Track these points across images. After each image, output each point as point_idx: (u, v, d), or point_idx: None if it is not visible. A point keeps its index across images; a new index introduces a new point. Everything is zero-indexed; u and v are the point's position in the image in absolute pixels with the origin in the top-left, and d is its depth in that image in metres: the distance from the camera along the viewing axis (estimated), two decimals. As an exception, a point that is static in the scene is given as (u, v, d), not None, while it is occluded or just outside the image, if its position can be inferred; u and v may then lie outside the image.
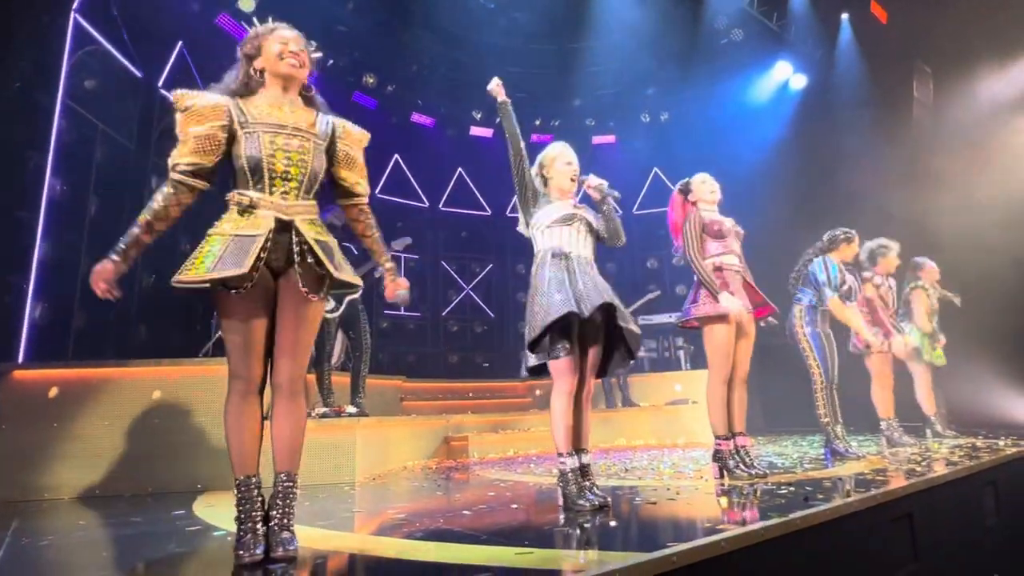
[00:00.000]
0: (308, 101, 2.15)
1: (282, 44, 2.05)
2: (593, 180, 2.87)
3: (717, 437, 3.36)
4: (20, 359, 4.18)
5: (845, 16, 7.87)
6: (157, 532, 2.52)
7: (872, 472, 3.12)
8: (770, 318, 3.65)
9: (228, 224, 1.94)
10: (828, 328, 4.40)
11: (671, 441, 6.48)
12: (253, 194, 1.94)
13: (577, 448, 2.66)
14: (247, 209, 1.94)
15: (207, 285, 1.88)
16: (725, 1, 7.88)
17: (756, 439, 5.26)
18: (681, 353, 8.15)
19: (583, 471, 2.63)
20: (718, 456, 3.34)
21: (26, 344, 4.24)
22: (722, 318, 3.36)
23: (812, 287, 4.40)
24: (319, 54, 2.27)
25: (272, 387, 1.99)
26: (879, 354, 4.98)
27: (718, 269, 3.48)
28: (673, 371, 7.67)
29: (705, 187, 3.60)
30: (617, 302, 2.66)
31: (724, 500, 2.62)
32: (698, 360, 7.68)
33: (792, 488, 2.70)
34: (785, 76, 8.48)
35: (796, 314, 4.38)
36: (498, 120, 2.93)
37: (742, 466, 3.26)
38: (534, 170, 2.92)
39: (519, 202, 2.90)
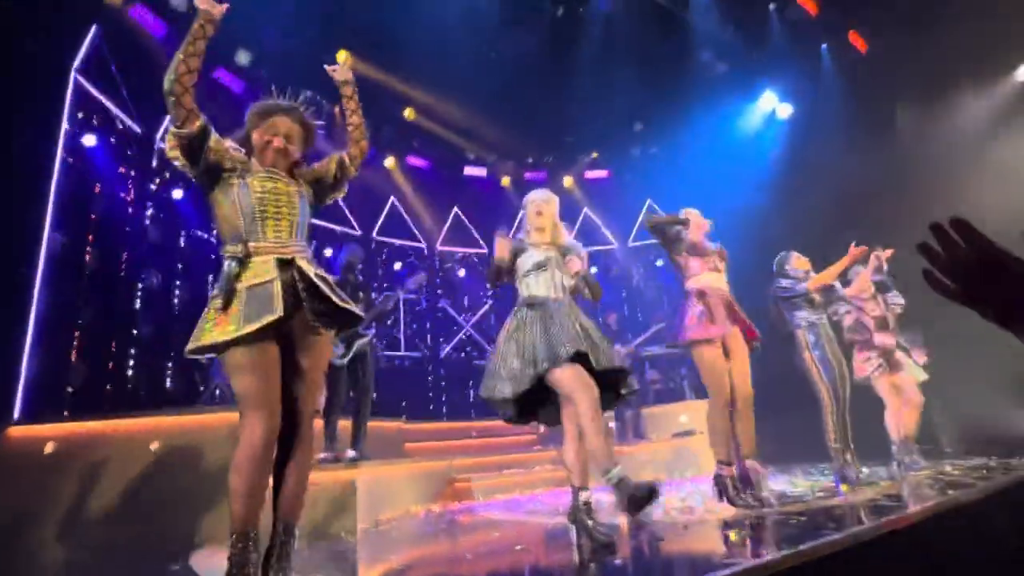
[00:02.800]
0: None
1: (271, 135, 2.12)
2: (575, 265, 2.88)
3: (719, 461, 3.31)
4: (16, 416, 4.12)
5: (824, 46, 8.09)
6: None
7: (885, 498, 3.05)
8: (756, 343, 3.62)
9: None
10: (837, 349, 4.35)
11: (679, 474, 6.35)
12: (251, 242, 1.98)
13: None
14: (245, 258, 1.96)
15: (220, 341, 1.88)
16: (708, 35, 8.11)
17: (769, 467, 5.14)
18: (685, 383, 8.07)
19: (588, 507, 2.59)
20: (718, 480, 3.28)
21: (22, 401, 4.20)
22: (708, 340, 3.38)
23: (793, 302, 4.37)
24: (319, 122, 2.35)
25: (281, 434, 1.94)
26: (884, 376, 4.93)
27: (702, 294, 3.51)
28: (678, 401, 7.59)
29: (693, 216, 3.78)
30: (598, 343, 2.68)
31: (733, 534, 2.55)
32: (702, 389, 7.58)
33: (803, 518, 2.63)
34: (771, 106, 8.66)
35: (800, 340, 4.33)
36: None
37: (743, 496, 3.19)
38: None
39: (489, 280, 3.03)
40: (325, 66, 2.42)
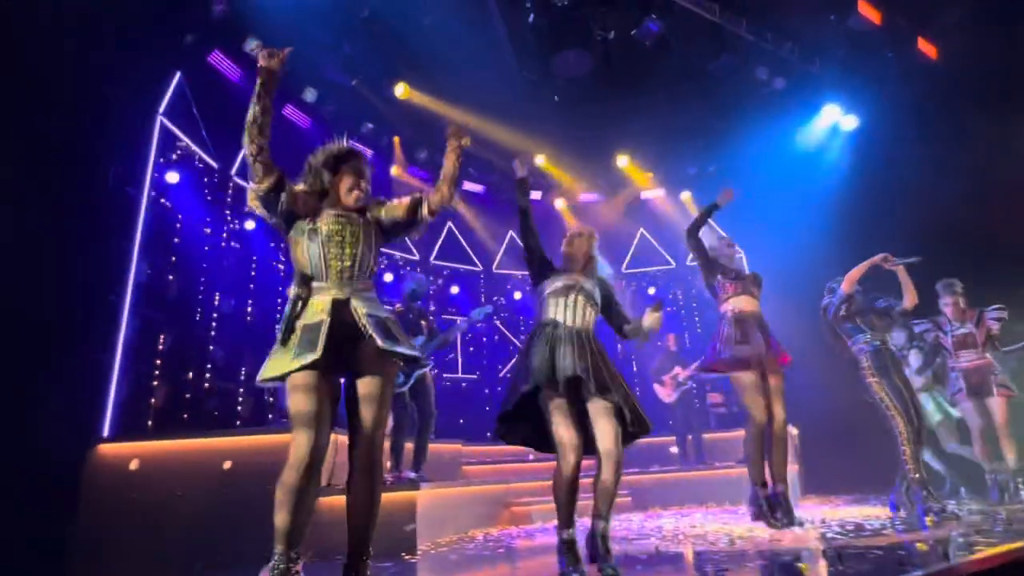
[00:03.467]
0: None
1: (354, 181, 2.30)
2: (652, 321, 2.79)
3: (754, 484, 3.48)
4: (105, 433, 4.43)
5: (891, 55, 7.76)
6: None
7: (976, 533, 2.82)
8: (783, 368, 3.72)
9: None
10: (903, 372, 4.14)
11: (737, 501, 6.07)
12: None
13: (594, 515, 2.63)
14: (305, 299, 2.17)
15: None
16: (764, 52, 7.94)
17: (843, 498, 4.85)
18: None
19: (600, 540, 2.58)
20: (755, 501, 3.46)
21: (111, 420, 4.51)
22: (743, 363, 3.47)
23: (850, 321, 4.18)
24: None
25: (353, 459, 2.07)
26: (967, 400, 4.62)
27: (738, 320, 3.62)
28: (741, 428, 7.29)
29: (723, 243, 4.10)
30: (604, 376, 2.62)
31: (804, 567, 2.42)
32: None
33: (880, 552, 2.47)
34: (834, 119, 8.35)
35: (864, 365, 4.10)
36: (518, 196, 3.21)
37: (776, 517, 3.35)
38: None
39: (528, 271, 3.08)
40: (448, 130, 2.78)
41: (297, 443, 1.99)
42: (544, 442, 2.76)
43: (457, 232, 9.48)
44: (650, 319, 2.76)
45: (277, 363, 2.04)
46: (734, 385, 3.63)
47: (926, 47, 7.57)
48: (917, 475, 3.82)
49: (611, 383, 2.65)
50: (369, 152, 8.37)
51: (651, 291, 9.63)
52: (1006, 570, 2.16)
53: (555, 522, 2.65)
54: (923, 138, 7.14)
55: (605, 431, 2.61)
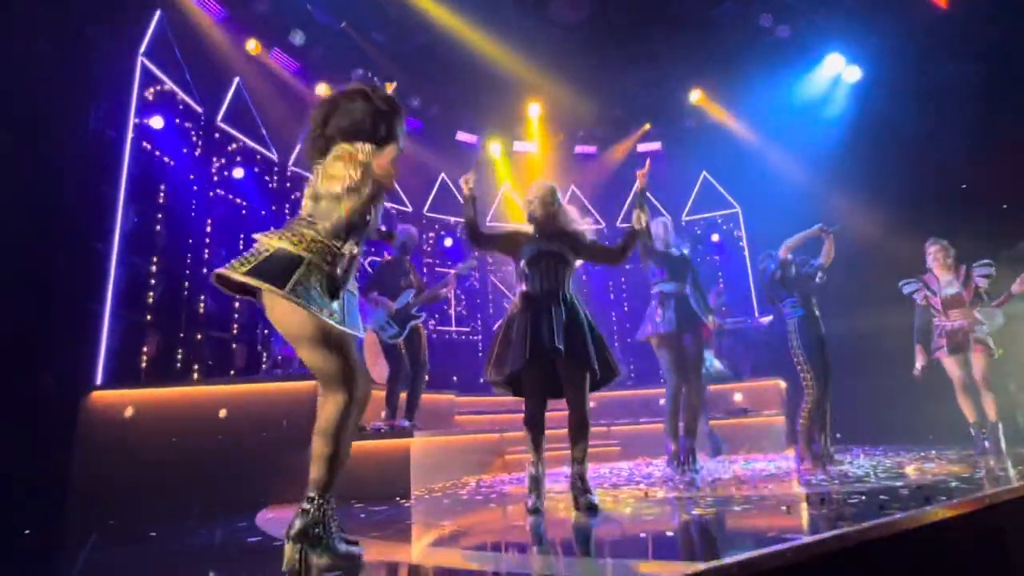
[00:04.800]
0: None
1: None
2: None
3: (670, 438, 4.39)
4: (99, 381, 4.44)
5: (898, 2, 7.51)
6: (218, 544, 2.60)
7: (958, 481, 2.90)
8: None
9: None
10: (822, 337, 4.39)
11: (743, 450, 6.22)
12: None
13: (572, 461, 2.96)
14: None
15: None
16: (769, -2, 7.67)
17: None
18: (747, 364, 7.78)
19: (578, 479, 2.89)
20: (676, 454, 4.34)
21: (104, 367, 4.51)
22: (666, 338, 4.33)
23: (782, 286, 4.47)
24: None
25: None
26: (948, 357, 4.70)
27: (662, 297, 4.39)
28: (737, 380, 7.36)
29: (665, 231, 4.51)
30: (582, 341, 2.90)
31: (788, 510, 2.48)
32: (759, 369, 7.36)
33: (863, 497, 2.54)
34: (838, 69, 8.15)
35: (790, 330, 4.41)
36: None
37: (689, 466, 4.24)
38: None
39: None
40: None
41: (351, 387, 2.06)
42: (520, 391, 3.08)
43: (451, 184, 9.32)
44: (637, 219, 3.12)
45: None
46: (657, 355, 4.45)
47: (936, -4, 7.32)
48: (808, 431, 4.23)
49: (584, 347, 2.90)
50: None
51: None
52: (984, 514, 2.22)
53: (549, 469, 2.86)
54: (925, 91, 6.99)
55: (575, 401, 2.97)
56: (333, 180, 1.93)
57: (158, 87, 5.44)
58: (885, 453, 4.98)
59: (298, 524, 1.81)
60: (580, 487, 2.86)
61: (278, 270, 1.83)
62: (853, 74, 8.07)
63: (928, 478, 3.10)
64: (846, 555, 1.66)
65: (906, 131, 7.05)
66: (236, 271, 1.83)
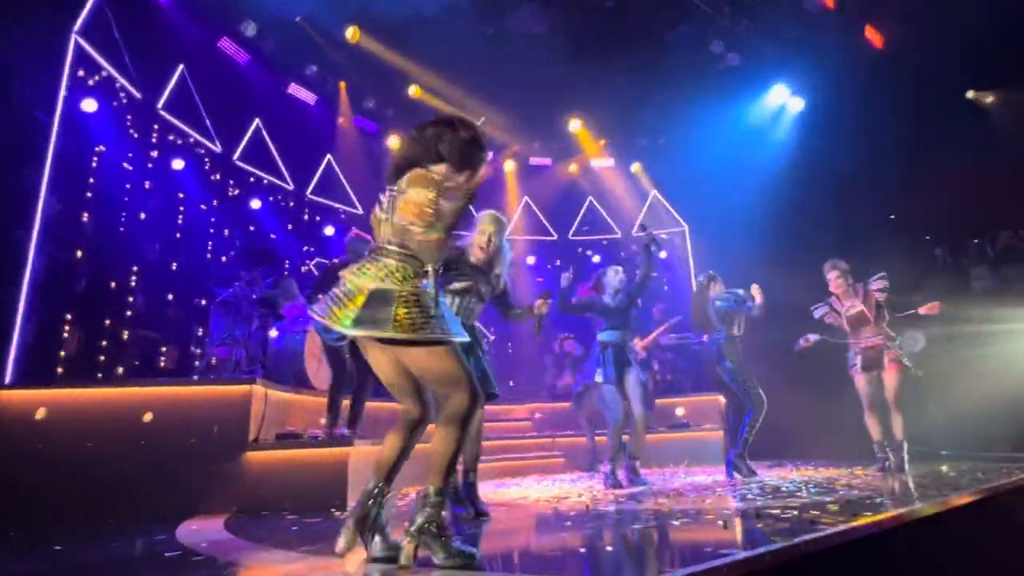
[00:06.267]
0: None
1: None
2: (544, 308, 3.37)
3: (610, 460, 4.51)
4: (7, 379, 4.10)
5: (840, 40, 7.94)
6: (133, 559, 2.42)
7: (882, 497, 3.01)
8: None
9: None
10: (740, 361, 4.80)
11: (679, 463, 6.33)
12: None
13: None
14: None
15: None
16: (722, 26, 7.95)
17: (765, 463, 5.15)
18: (683, 377, 8.01)
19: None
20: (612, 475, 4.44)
21: (15, 364, 4.17)
22: (607, 384, 4.53)
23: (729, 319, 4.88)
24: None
25: None
26: (859, 374, 4.75)
27: (603, 345, 4.61)
28: (678, 395, 7.53)
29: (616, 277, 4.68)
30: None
31: (724, 525, 2.52)
32: (699, 383, 7.56)
33: (796, 512, 2.60)
34: (782, 99, 8.53)
35: (717, 355, 4.84)
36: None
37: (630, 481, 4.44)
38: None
39: None
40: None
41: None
42: None
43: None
44: (539, 307, 3.30)
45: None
46: (597, 399, 4.74)
47: (873, 35, 7.78)
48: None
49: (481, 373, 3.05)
50: (312, 98, 7.93)
51: (595, 259, 9.70)
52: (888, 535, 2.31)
53: (490, 482, 2.86)
54: (862, 126, 7.39)
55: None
56: (410, 204, 1.94)
57: (93, 69, 5.13)
58: (816, 468, 5.15)
59: (419, 520, 1.86)
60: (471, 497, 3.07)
61: (381, 313, 1.86)
62: (797, 105, 8.47)
63: (855, 494, 3.22)
64: (781, 570, 1.68)
65: (842, 162, 7.43)
66: (339, 323, 1.88)
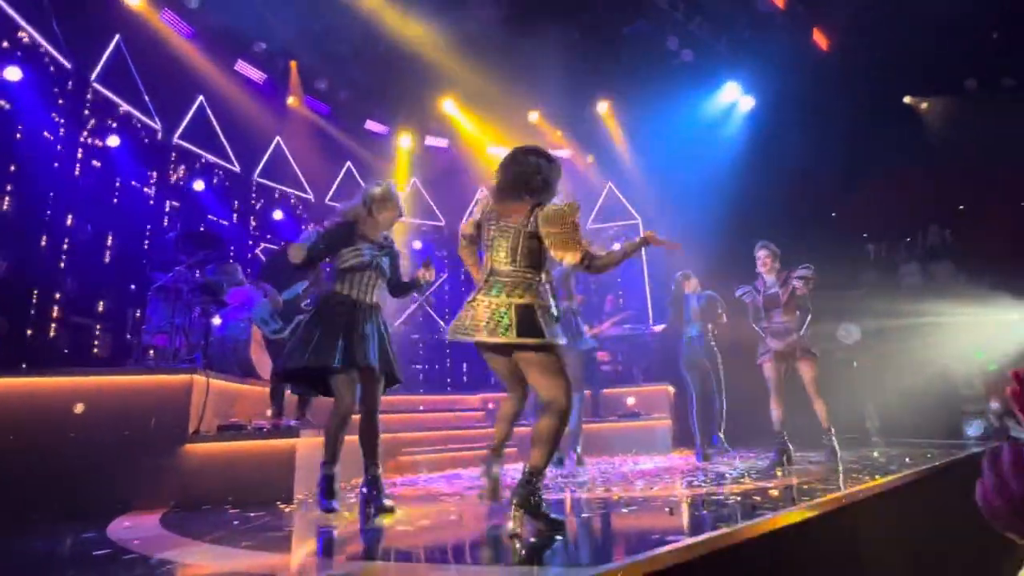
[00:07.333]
0: None
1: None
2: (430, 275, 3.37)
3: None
4: (-82, 368, 3.79)
5: (788, 42, 8.18)
6: (58, 558, 2.28)
7: (817, 483, 3.15)
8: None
9: None
10: (700, 357, 5.46)
11: (632, 452, 6.45)
12: None
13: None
14: None
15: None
16: (677, 22, 8.06)
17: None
18: (635, 368, 8.17)
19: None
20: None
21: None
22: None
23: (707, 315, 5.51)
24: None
25: None
26: (768, 363, 4.66)
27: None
28: (629, 385, 7.67)
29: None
30: (388, 356, 3.19)
31: (671, 512, 2.58)
32: (650, 374, 7.74)
33: (738, 498, 2.68)
34: (734, 97, 8.74)
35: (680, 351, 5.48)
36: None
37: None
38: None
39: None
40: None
41: None
42: (326, 390, 3.22)
43: (356, 173, 8.95)
44: (423, 275, 3.29)
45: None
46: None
47: (820, 38, 8.05)
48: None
49: (388, 362, 3.14)
50: (261, 76, 7.62)
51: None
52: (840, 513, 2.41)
53: (441, 472, 2.77)
54: (807, 125, 7.66)
55: (373, 407, 3.25)
56: (550, 236, 2.35)
57: (18, 34, 4.76)
58: (758, 456, 5.34)
59: (522, 492, 2.18)
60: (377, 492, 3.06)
61: (528, 324, 2.26)
62: (748, 103, 8.69)
63: (793, 480, 3.35)
64: (724, 553, 1.73)
65: (788, 160, 7.67)
66: (498, 335, 2.26)
